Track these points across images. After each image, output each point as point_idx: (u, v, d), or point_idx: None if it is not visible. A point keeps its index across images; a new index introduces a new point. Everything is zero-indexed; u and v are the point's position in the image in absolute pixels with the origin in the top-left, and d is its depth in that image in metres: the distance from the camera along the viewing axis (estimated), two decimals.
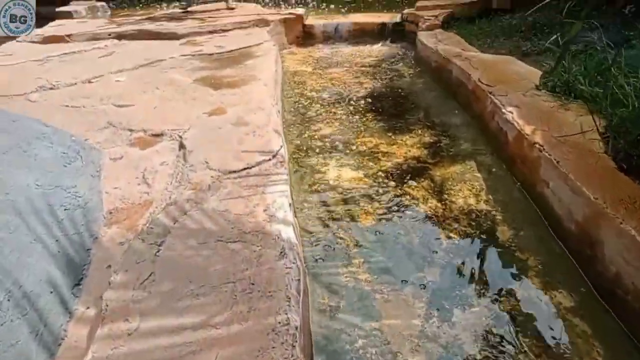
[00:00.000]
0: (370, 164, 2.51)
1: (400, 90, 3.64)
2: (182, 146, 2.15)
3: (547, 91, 2.54)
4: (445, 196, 2.18)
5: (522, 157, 2.17)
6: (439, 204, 2.12)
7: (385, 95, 3.55)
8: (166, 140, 2.25)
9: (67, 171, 1.78)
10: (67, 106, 2.81)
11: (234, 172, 1.86)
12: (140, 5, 7.05)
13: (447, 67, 3.45)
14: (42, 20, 5.02)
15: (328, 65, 4.42)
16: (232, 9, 5.48)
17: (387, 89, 3.70)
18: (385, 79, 3.95)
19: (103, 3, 6.45)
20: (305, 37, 5.07)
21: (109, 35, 4.59)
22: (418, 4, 4.84)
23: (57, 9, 5.90)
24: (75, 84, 3.25)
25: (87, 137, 2.25)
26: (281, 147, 2.08)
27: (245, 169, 1.88)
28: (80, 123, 2.49)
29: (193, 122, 2.42)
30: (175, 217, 1.57)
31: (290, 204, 1.70)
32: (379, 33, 4.93)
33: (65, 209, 1.55)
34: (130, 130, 2.38)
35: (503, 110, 2.40)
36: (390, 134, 2.84)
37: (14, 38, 4.43)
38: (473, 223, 1.98)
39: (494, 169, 2.40)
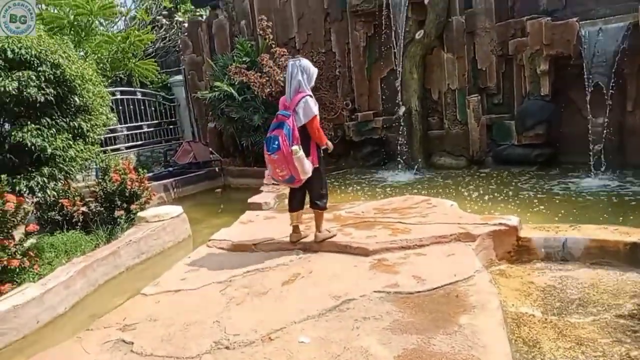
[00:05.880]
0: None
1: None
2: None
3: None
4: None
5: None
6: None
7: None
8: None
9: None
10: None
11: None
12: None
13: None
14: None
15: (564, 307, 3.27)
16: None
17: None
18: None
19: None
20: (520, 251, 4.07)
21: (295, 245, 4.26)
22: None
23: (250, 200, 6.06)
24: (254, 342, 2.72)
25: None
26: None
27: None
28: None
29: None
30: None
31: None
32: (627, 256, 3.68)
33: None
34: None
35: None
36: None
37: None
38: None
39: None
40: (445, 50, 7.55)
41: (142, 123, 11.53)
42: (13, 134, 4.02)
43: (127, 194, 5.69)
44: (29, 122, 4.14)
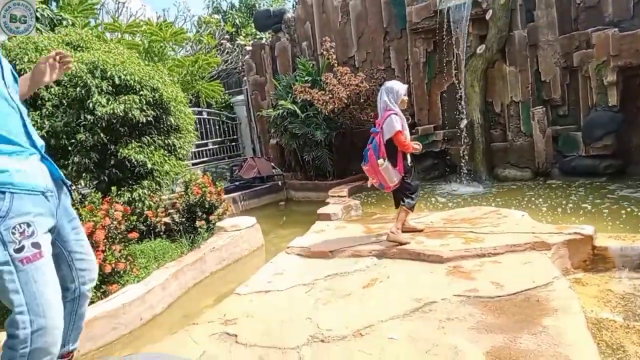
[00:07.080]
0: None
1: None
2: None
3: None
4: None
5: None
6: None
7: None
8: None
9: None
10: None
11: None
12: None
13: None
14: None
15: None
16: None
17: None
18: None
19: (357, 202, 6.78)
20: (595, 260, 4.09)
21: (370, 252, 4.49)
22: None
23: (319, 211, 6.35)
24: (346, 336, 2.96)
25: None
26: None
27: None
28: None
29: None
30: None
31: None
32: None
33: None
34: None
35: None
36: None
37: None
38: None
39: None
40: (507, 63, 7.61)
41: (208, 141, 12.22)
42: (120, 150, 4.55)
43: (206, 206, 6.13)
44: (132, 141, 4.67)
